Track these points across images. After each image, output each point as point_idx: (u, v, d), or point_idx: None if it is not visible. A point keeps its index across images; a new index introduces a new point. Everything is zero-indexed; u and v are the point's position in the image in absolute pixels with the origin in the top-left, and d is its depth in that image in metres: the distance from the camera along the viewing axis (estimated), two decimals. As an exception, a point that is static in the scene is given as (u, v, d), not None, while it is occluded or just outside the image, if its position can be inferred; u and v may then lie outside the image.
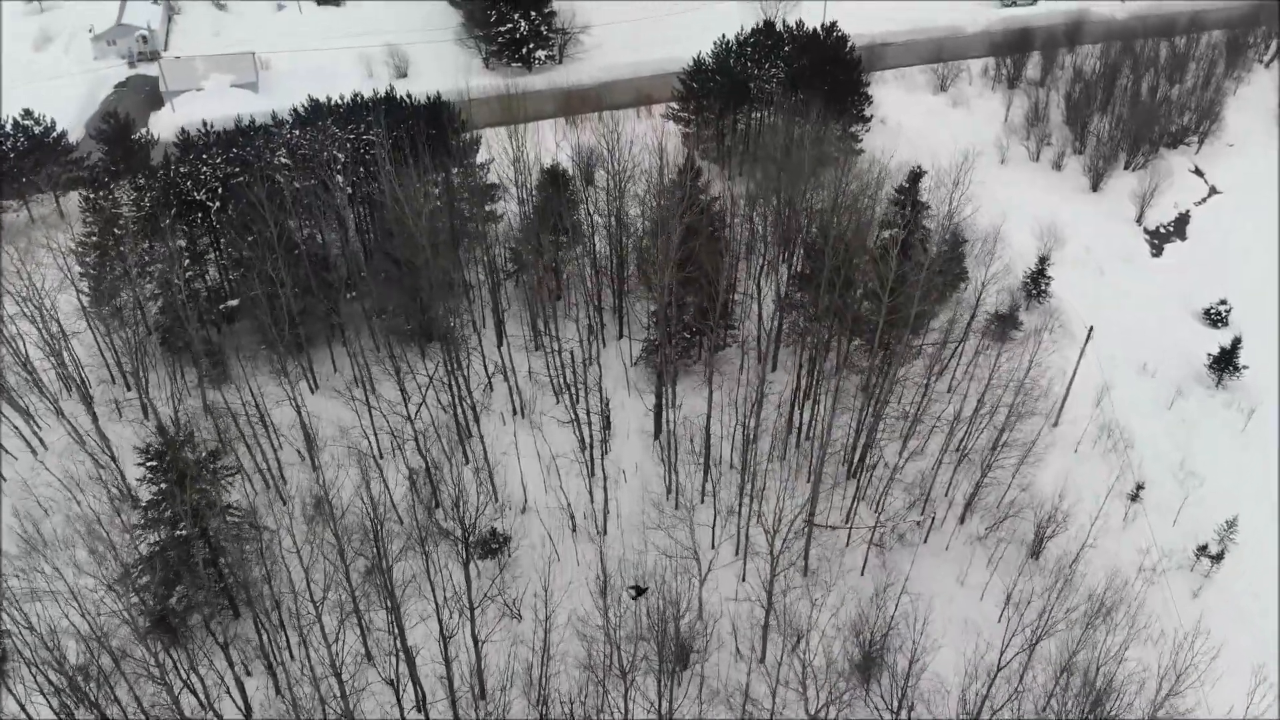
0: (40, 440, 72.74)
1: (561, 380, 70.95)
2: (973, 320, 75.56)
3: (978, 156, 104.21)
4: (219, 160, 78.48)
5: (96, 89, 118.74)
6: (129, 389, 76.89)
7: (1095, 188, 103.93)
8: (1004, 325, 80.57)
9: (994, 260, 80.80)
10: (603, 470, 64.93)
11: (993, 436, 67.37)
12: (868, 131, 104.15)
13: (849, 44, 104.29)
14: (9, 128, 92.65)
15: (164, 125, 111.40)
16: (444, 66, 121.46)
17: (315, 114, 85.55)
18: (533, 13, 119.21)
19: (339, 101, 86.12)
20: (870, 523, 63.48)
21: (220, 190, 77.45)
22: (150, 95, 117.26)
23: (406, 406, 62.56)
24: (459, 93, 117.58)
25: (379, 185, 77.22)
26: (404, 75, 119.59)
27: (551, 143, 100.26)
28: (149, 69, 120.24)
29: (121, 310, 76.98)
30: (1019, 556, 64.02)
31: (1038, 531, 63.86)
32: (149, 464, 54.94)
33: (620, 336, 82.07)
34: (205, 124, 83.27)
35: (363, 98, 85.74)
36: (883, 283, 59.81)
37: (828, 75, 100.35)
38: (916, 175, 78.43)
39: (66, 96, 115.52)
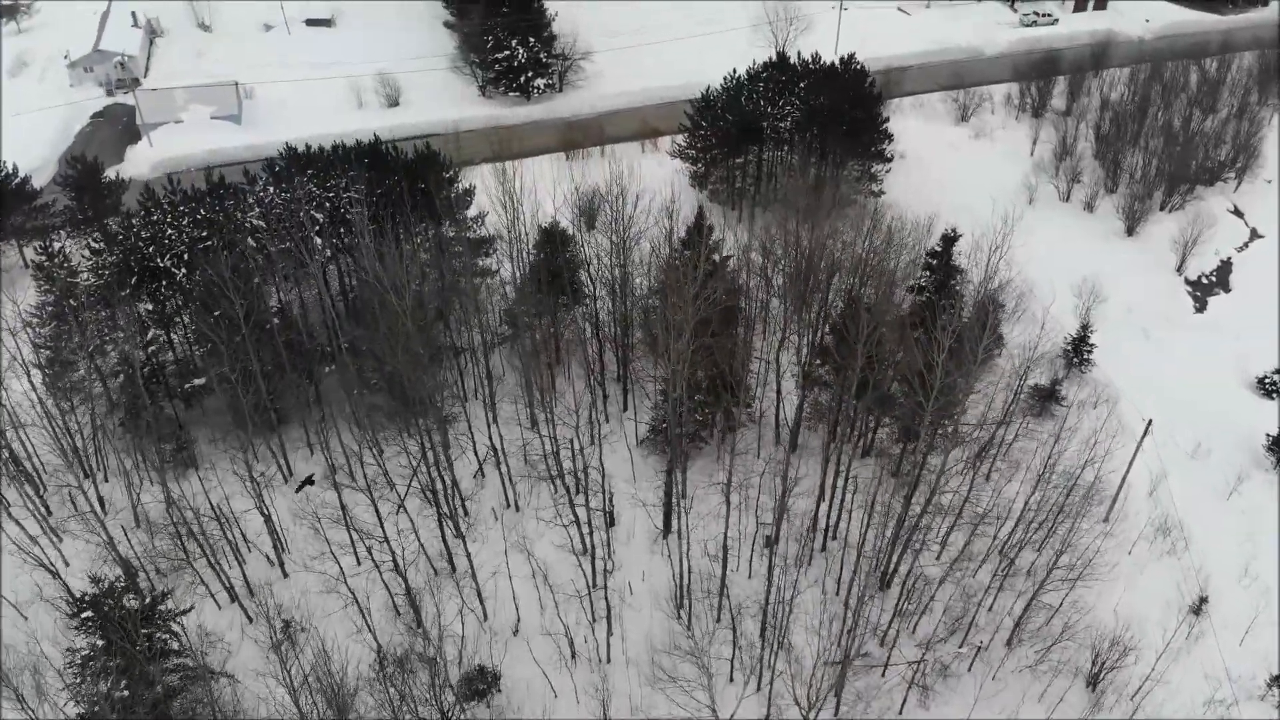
0: (-15, 539, 64.05)
1: (560, 481, 61.95)
2: (1014, 402, 66.59)
3: (1004, 197, 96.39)
4: (185, 222, 69.53)
5: (72, 120, 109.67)
6: (85, 474, 68.16)
7: (1131, 232, 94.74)
8: (1045, 400, 71.78)
9: (1035, 329, 72.45)
10: (605, 583, 56.15)
11: (1041, 539, 58.89)
12: (888, 171, 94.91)
13: (869, 78, 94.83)
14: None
15: (141, 160, 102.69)
16: (438, 95, 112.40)
17: (292, 164, 76.33)
18: (532, 39, 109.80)
19: (319, 150, 76.89)
20: (909, 654, 54.78)
21: (186, 256, 68.55)
22: (128, 126, 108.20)
23: (382, 526, 53.68)
24: (452, 124, 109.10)
25: (360, 249, 68.04)
26: (395, 104, 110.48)
27: (550, 181, 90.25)
28: (128, 97, 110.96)
29: (75, 390, 68.12)
30: (1076, 691, 55.36)
31: (1095, 660, 55.21)
32: (83, 615, 46.41)
33: (625, 409, 73.34)
34: (172, 180, 74.06)
35: (344, 148, 76.48)
36: (927, 392, 50.91)
37: (846, 113, 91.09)
38: (950, 239, 69.46)
39: (40, 128, 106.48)
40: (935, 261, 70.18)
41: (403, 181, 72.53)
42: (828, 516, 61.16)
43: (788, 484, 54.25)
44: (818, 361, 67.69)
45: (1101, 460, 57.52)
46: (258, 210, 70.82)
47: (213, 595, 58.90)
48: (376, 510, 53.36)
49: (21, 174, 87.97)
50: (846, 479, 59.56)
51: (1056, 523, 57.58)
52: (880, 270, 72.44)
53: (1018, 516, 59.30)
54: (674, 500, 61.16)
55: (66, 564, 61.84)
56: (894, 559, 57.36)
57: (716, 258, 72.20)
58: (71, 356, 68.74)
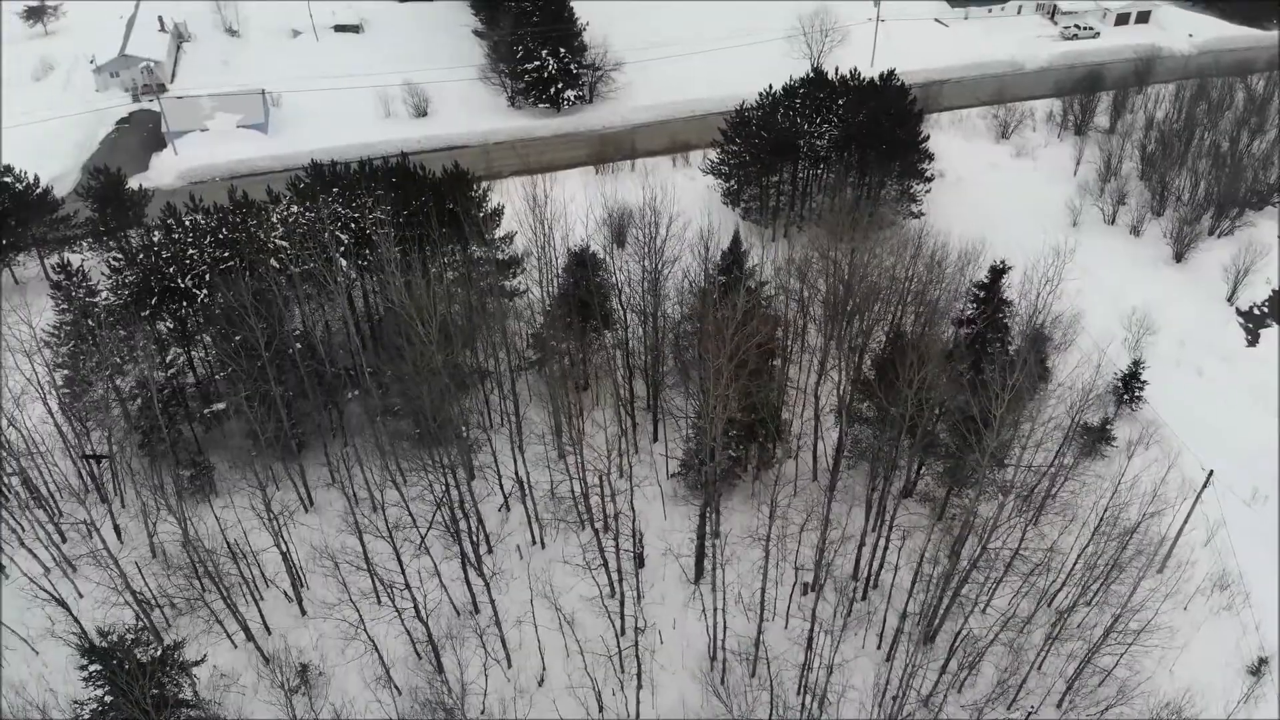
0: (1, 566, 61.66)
1: (590, 525, 58.90)
2: (1067, 445, 63.10)
3: (1047, 219, 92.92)
4: (207, 241, 67.06)
5: (97, 126, 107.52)
6: (102, 500, 65.80)
7: (1179, 258, 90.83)
8: (1095, 440, 68.24)
9: (1083, 362, 69.14)
10: (635, 639, 53.12)
11: (1095, 594, 55.52)
12: (928, 192, 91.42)
13: (911, 95, 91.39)
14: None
15: (166, 169, 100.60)
16: (466, 106, 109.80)
17: (317, 181, 73.80)
18: (562, 50, 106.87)
19: (345, 167, 74.27)
20: (958, 718, 51.56)
21: (207, 277, 66.02)
22: (153, 134, 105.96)
23: (404, 573, 50.91)
24: (481, 136, 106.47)
25: (386, 273, 65.31)
26: (424, 114, 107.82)
27: (580, 198, 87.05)
28: (154, 103, 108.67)
29: (93, 411, 65.64)
30: (1131, 760, 52.04)
31: (1153, 729, 51.90)
32: (91, 668, 43.93)
33: (655, 439, 70.38)
34: (194, 198, 71.58)
35: (372, 165, 73.82)
36: (981, 446, 47.65)
37: (886, 131, 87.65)
38: (999, 271, 66.01)
39: (64, 134, 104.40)
40: (983, 294, 66.79)
41: (430, 202, 69.77)
42: (869, 565, 57.97)
43: (828, 535, 51.11)
44: (858, 397, 64.39)
45: (1171, 522, 54.00)
46: (281, 230, 68.23)
47: (229, 635, 56.28)
48: (399, 558, 50.64)
49: (44, 183, 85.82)
50: (890, 526, 56.30)
51: (1110, 578, 54.25)
52: (923, 299, 69.50)
53: (1069, 571, 56.13)
54: (707, 543, 58.13)
55: (80, 595, 59.34)
56: (940, 613, 54.11)
57: (752, 283, 69.30)
58: (90, 376, 66.34)
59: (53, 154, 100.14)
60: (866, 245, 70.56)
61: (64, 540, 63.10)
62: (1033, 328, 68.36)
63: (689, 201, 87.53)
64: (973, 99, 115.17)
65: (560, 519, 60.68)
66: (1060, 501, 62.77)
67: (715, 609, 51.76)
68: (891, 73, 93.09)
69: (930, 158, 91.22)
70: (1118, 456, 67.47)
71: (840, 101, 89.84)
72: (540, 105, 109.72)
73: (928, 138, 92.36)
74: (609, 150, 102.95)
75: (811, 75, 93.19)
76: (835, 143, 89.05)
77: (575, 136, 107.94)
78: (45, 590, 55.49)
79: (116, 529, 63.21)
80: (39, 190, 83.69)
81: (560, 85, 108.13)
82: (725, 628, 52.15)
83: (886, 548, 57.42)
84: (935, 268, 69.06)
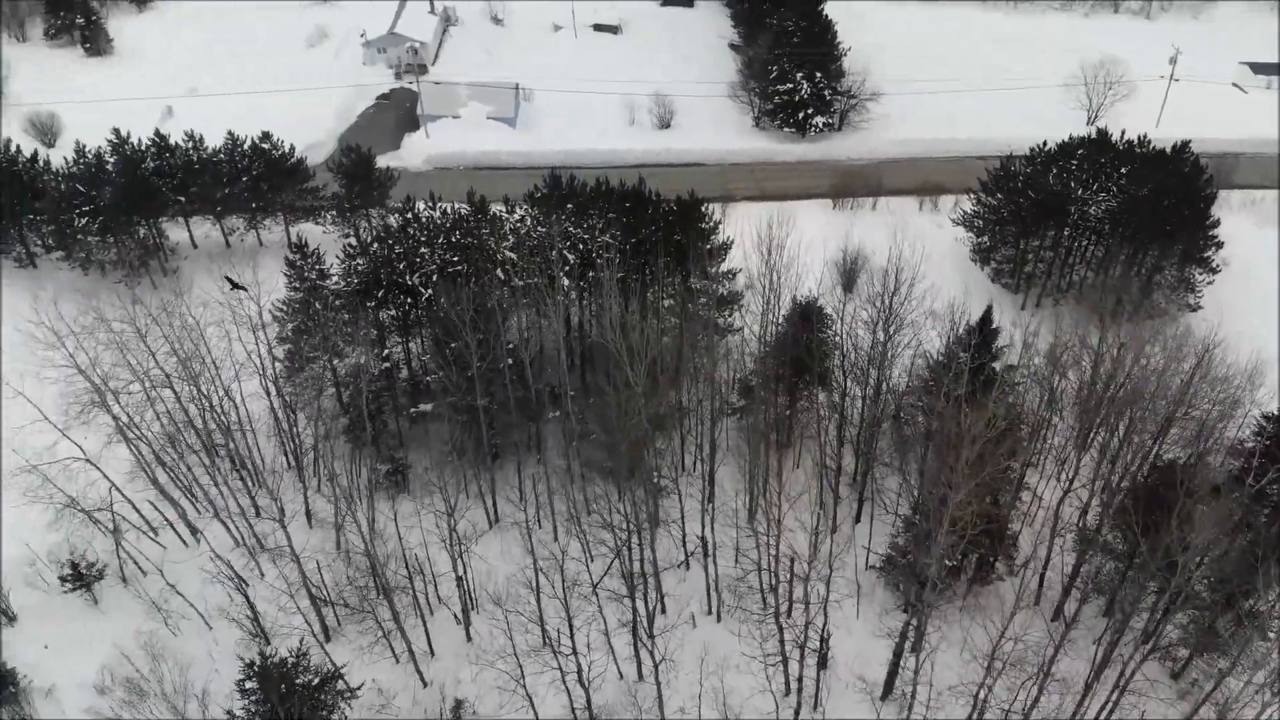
0: (192, 530, 62.12)
1: (774, 613, 52.62)
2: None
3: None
4: (439, 242, 65.43)
5: (358, 99, 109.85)
6: (301, 481, 65.43)
7: None
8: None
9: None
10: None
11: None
12: (1210, 284, 79.40)
13: (1206, 174, 79.49)
14: (246, 148, 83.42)
15: (416, 151, 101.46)
16: (710, 121, 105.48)
17: (554, 192, 71.11)
18: (818, 74, 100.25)
19: (581, 185, 71.25)
20: None
21: (435, 278, 64.28)
22: (408, 114, 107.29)
23: (573, 638, 46.82)
24: (720, 155, 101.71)
25: (603, 303, 61.49)
26: (666, 126, 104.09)
27: (818, 242, 79.74)
28: (414, 84, 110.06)
29: (304, 389, 65.24)
30: None
31: None
32: (248, 686, 42.23)
33: (858, 520, 63.51)
34: (433, 197, 70.17)
35: (607, 187, 70.26)
36: (1260, 625, 38.50)
37: (1171, 209, 76.46)
38: (1300, 406, 55.12)
39: (327, 103, 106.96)
40: (1272, 427, 55.94)
41: (659, 232, 65.46)
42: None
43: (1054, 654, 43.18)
44: (1108, 523, 55.12)
45: None
46: (511, 241, 65.73)
47: (394, 653, 54.17)
48: (570, 623, 46.59)
49: (299, 152, 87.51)
50: (1124, 690, 47.41)
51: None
52: (1190, 411, 59.37)
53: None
54: (903, 662, 51.12)
55: (262, 575, 58.89)
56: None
57: (998, 366, 61.12)
58: (312, 354, 65.93)
59: (314, 122, 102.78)
60: (1137, 338, 60.94)
61: (258, 515, 63.09)
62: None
63: (933, 253, 79.08)
64: (1269, 179, 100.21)
65: (742, 605, 54.96)
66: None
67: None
68: (1186, 144, 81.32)
69: (1219, 245, 79.11)
70: None
71: (1123, 169, 79.17)
72: (785, 129, 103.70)
73: (1218, 222, 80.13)
74: (852, 183, 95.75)
75: (1094, 135, 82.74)
76: (1110, 213, 78.58)
77: (818, 165, 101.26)
78: (226, 569, 54.94)
79: (309, 513, 62.61)
80: (293, 160, 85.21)
81: (810, 110, 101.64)
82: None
83: (1113, 710, 48.56)
84: (1219, 383, 58.72)
